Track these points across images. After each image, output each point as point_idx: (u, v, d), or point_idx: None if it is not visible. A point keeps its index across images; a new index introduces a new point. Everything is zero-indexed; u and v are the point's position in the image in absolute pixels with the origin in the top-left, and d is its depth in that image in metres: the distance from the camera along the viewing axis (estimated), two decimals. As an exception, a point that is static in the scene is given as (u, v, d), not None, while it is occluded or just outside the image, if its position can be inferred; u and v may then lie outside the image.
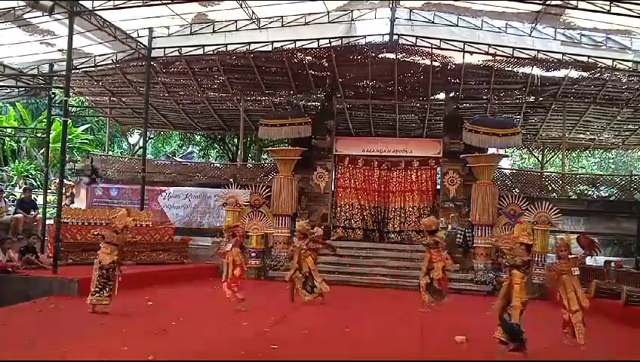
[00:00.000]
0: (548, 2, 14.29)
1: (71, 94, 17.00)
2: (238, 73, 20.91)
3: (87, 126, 30.54)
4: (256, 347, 7.80)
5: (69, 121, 19.72)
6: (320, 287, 12.18)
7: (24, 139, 27.24)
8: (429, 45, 18.28)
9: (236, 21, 17.91)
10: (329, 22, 17.99)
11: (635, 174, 21.81)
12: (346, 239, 18.82)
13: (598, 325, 10.76)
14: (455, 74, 19.95)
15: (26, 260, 12.84)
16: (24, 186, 21.40)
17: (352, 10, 17.93)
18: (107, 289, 9.73)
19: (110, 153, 25.72)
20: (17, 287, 11.28)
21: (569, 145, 25.18)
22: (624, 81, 19.16)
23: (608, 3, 13.08)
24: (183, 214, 19.21)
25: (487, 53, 18.30)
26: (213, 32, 18.25)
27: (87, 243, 14.31)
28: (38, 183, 24.64)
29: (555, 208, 16.16)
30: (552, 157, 27.81)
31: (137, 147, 27.52)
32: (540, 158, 26.97)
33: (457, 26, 17.70)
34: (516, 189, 18.99)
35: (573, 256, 8.97)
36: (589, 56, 17.80)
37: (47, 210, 16.99)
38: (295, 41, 18.53)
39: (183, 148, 32.93)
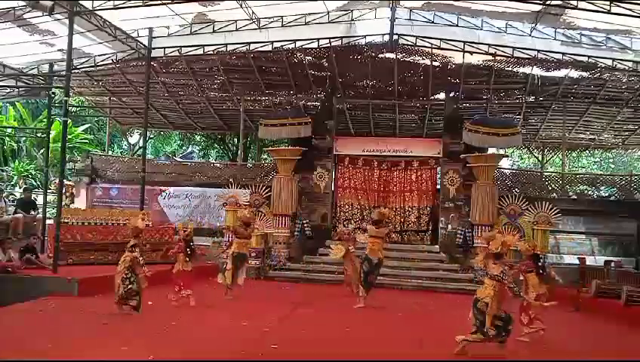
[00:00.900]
0: (548, 2, 14.28)
1: (71, 94, 16.96)
2: (238, 73, 20.92)
3: (87, 126, 30.50)
4: (257, 347, 7.80)
5: (69, 120, 19.72)
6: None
7: (24, 139, 27.22)
8: (429, 45, 18.28)
9: (236, 21, 17.90)
10: (329, 22, 17.98)
11: (635, 174, 21.82)
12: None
13: (598, 325, 10.80)
14: (455, 74, 19.95)
15: (26, 260, 12.84)
16: (24, 186, 21.40)
17: (352, 10, 17.92)
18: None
19: (110, 153, 25.72)
20: (17, 287, 11.25)
21: (569, 145, 25.17)
22: (624, 81, 19.16)
23: (608, 3, 13.07)
24: (183, 214, 19.20)
25: (487, 53, 18.30)
26: (213, 32, 18.25)
27: (87, 243, 14.36)
28: (38, 183, 24.62)
29: (555, 208, 16.18)
30: (552, 157, 27.81)
31: (137, 147, 27.51)
32: (539, 158, 26.97)
33: (457, 25, 17.68)
34: (516, 189, 19.00)
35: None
36: (589, 56, 17.80)
37: (47, 210, 16.97)
38: (295, 41, 18.53)
39: (183, 148, 32.93)
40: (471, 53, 18.31)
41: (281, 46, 18.72)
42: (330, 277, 16.02)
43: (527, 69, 19.29)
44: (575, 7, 13.69)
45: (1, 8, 15.17)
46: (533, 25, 17.22)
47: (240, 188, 18.37)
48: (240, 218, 12.94)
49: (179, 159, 28.63)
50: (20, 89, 20.94)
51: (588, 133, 24.58)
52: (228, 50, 18.85)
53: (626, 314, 11.38)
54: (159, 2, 14.75)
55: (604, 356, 8.42)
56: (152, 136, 29.02)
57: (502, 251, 8.01)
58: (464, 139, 17.94)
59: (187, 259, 11.08)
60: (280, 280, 16.23)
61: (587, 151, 28.13)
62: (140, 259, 9.86)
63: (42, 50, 18.42)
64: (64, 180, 15.20)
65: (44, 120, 21.65)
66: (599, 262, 17.44)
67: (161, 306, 10.47)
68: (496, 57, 18.56)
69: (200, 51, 18.96)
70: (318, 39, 18.45)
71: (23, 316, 9.47)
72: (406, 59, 19.48)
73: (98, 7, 14.58)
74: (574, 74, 19.10)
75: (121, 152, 31.08)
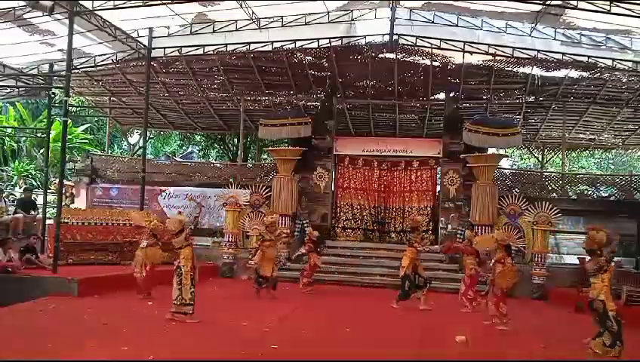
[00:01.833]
0: (548, 2, 14.28)
1: (71, 94, 16.96)
2: (238, 73, 20.92)
3: (87, 126, 30.49)
4: (257, 347, 7.80)
5: (69, 120, 19.72)
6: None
7: (24, 139, 27.20)
8: (429, 45, 18.29)
9: (236, 21, 17.91)
10: (329, 22, 17.99)
11: (634, 174, 21.83)
12: (345, 238, 18.85)
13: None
14: (455, 74, 19.97)
15: (26, 260, 12.84)
16: (24, 186, 21.38)
17: (352, 10, 17.93)
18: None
19: (110, 153, 25.71)
20: (17, 287, 11.26)
21: (569, 145, 25.18)
22: (624, 80, 19.17)
23: (608, 3, 13.08)
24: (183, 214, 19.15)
25: (487, 53, 18.31)
26: (214, 32, 18.25)
27: (87, 243, 14.37)
28: (38, 183, 24.61)
29: (555, 208, 16.20)
30: (552, 157, 27.81)
31: (137, 147, 27.52)
32: (539, 158, 26.97)
33: (457, 26, 17.69)
34: (516, 189, 19.00)
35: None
36: (589, 56, 17.81)
37: (47, 210, 16.97)
38: (295, 41, 18.53)
39: (183, 148, 32.93)
40: (471, 53, 18.32)
41: (281, 46, 18.72)
42: (330, 277, 16.01)
43: (527, 69, 19.30)
44: (575, 7, 13.70)
45: (2, 8, 15.16)
46: (533, 25, 17.23)
47: (240, 188, 18.37)
48: (266, 223, 13.15)
49: (179, 159, 28.63)
50: (20, 89, 20.94)
51: (588, 133, 24.60)
52: (228, 50, 18.85)
53: (626, 314, 11.35)
54: (159, 2, 14.75)
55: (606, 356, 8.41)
56: (152, 136, 29.02)
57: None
58: (464, 139, 17.95)
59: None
60: (280, 280, 16.20)
61: (587, 151, 28.14)
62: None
63: (42, 50, 18.42)
64: (64, 180, 15.20)
65: (44, 120, 21.65)
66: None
67: (161, 306, 10.44)
68: (496, 57, 18.57)
69: (200, 51, 18.96)
70: (318, 39, 18.46)
71: (22, 316, 9.46)
72: (406, 59, 19.49)
73: (98, 7, 14.59)
74: (574, 74, 19.11)
75: (121, 152, 31.08)
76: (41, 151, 24.90)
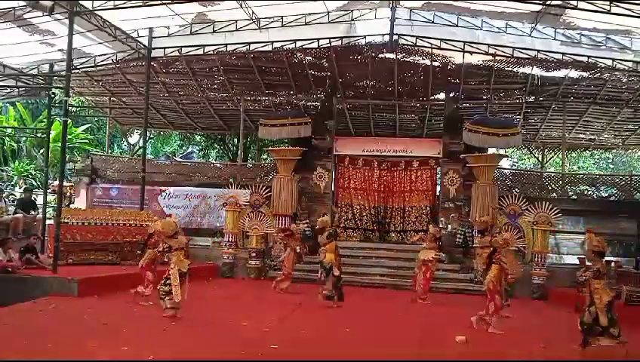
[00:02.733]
0: (548, 2, 14.28)
1: (71, 94, 16.97)
2: (238, 73, 20.92)
3: (87, 126, 30.51)
4: (257, 347, 7.81)
5: (69, 121, 19.72)
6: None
7: (24, 139, 27.21)
8: (429, 45, 18.29)
9: (236, 21, 17.91)
10: (329, 22, 17.99)
11: (634, 174, 21.82)
12: (345, 239, 18.85)
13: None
14: (455, 74, 19.96)
15: (26, 260, 12.84)
16: (24, 186, 21.39)
17: (352, 10, 17.93)
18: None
19: (110, 153, 25.71)
20: (17, 287, 11.27)
21: (569, 145, 25.17)
22: (624, 81, 19.17)
23: (608, 3, 13.07)
24: (183, 214, 19.16)
25: (487, 53, 18.30)
26: (214, 32, 18.25)
27: (87, 243, 14.37)
28: (38, 183, 24.61)
29: (555, 208, 16.20)
30: (552, 157, 27.81)
31: (137, 147, 27.51)
32: (539, 158, 26.97)
33: (457, 26, 17.69)
34: (516, 189, 19.00)
35: None
36: (588, 56, 17.80)
37: (47, 210, 16.98)
38: (295, 41, 18.53)
39: (183, 148, 32.94)
40: (471, 53, 18.31)
41: (281, 46, 18.72)
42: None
43: (527, 69, 19.30)
44: (575, 7, 13.69)
45: (2, 8, 15.16)
46: (533, 25, 17.22)
47: (240, 188, 18.37)
48: (320, 223, 13.12)
49: (179, 159, 28.63)
50: (20, 89, 20.92)
51: (588, 133, 24.59)
52: (228, 50, 18.84)
53: (627, 315, 11.37)
54: (159, 2, 14.75)
55: (606, 356, 8.42)
56: (152, 136, 29.02)
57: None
58: (464, 140, 17.95)
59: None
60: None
61: (587, 152, 28.15)
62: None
63: (42, 50, 18.41)
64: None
65: (44, 120, 21.67)
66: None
67: (161, 306, 10.45)
68: (496, 57, 18.57)
69: (200, 51, 18.95)
70: (318, 39, 18.45)
71: (22, 316, 9.47)
72: (406, 60, 19.49)
73: (98, 7, 14.59)
74: (574, 74, 19.11)
75: (120, 152, 31.08)
76: (41, 151, 24.92)
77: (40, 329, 8.39)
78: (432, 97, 21.58)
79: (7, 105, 27.38)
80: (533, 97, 20.92)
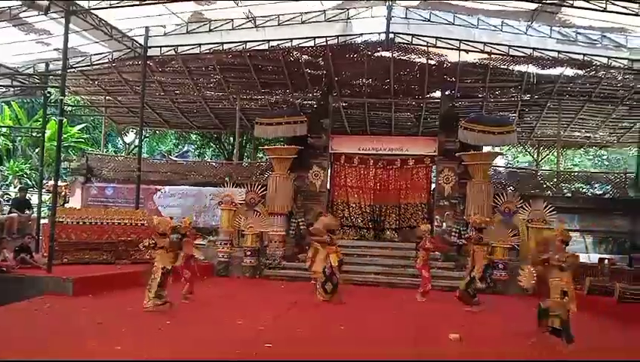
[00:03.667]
0: (544, 0, 14.32)
1: (66, 93, 16.98)
2: (234, 72, 20.92)
3: (83, 125, 30.51)
4: (251, 346, 7.81)
5: (65, 120, 19.72)
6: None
7: (19, 138, 27.21)
8: (425, 43, 18.31)
9: (232, 20, 17.92)
10: (325, 20, 18.00)
11: (629, 172, 21.89)
12: (341, 237, 18.84)
13: (591, 322, 10.83)
14: (451, 72, 19.99)
15: (20, 260, 12.81)
16: (19, 186, 21.37)
17: (348, 9, 17.94)
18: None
19: (105, 152, 25.70)
20: (12, 287, 11.24)
21: (564, 143, 25.22)
22: (619, 78, 19.21)
23: (604, 1, 13.11)
24: (178, 213, 19.14)
25: (482, 52, 18.33)
26: (210, 30, 18.26)
27: (81, 243, 14.35)
28: (33, 183, 24.60)
29: (549, 206, 16.23)
30: (548, 155, 27.86)
31: (133, 146, 27.52)
32: (535, 156, 27.02)
33: (453, 24, 17.71)
34: (511, 187, 19.03)
35: None
36: (584, 54, 17.86)
37: (42, 209, 16.96)
38: (291, 39, 18.54)
39: (179, 146, 32.95)
40: (467, 51, 18.33)
41: (278, 45, 18.73)
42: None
43: (522, 67, 19.33)
44: (571, 6, 13.74)
45: (-3, 7, 15.16)
46: (529, 23, 17.26)
47: (236, 186, 18.37)
48: (325, 225, 12.81)
49: (174, 158, 28.63)
50: (16, 88, 20.91)
51: (583, 130, 24.65)
52: (224, 49, 18.84)
53: (620, 312, 11.43)
54: (155, 1, 14.76)
55: (600, 353, 8.44)
56: (147, 135, 29.00)
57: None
58: (459, 138, 17.94)
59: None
60: (275, 278, 16.25)
61: (582, 149, 28.22)
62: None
63: (38, 50, 18.38)
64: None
65: (40, 119, 21.65)
66: (593, 259, 17.47)
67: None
68: (492, 55, 18.59)
69: (196, 50, 18.96)
70: (314, 38, 18.48)
71: (18, 315, 9.45)
72: (402, 58, 19.52)
73: (94, 7, 14.61)
74: (570, 72, 19.16)
75: (116, 151, 31.07)
76: (37, 150, 24.88)
77: (35, 328, 8.39)
78: (428, 95, 21.62)
79: (3, 104, 27.36)
80: (528, 95, 20.96)
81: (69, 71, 17.04)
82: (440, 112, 19.92)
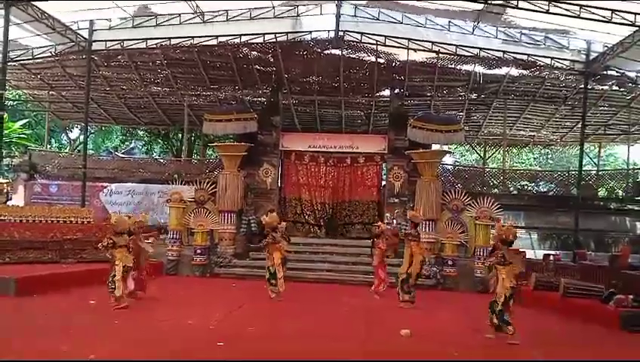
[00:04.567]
0: (489, 1, 14.59)
1: (7, 87, 16.44)
2: (182, 67, 20.65)
3: (26, 120, 29.56)
4: (202, 344, 7.71)
5: (5, 115, 19.05)
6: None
7: (-43, 133, 26.21)
8: (374, 42, 18.43)
9: (180, 15, 17.66)
10: (274, 17, 17.94)
11: (572, 170, 22.53)
12: (292, 234, 18.82)
13: (537, 316, 11.11)
14: (400, 71, 20.19)
15: (-41, 260, 12.37)
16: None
17: (297, 6, 17.92)
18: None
19: (49, 148, 25.01)
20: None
21: (510, 142, 25.82)
22: (562, 79, 19.76)
23: (547, 3, 13.46)
24: (125, 211, 18.75)
25: (430, 51, 18.57)
26: (157, 25, 17.96)
27: (25, 241, 13.93)
28: (-27, 180, 23.75)
29: (496, 203, 16.53)
30: (494, 153, 28.46)
31: (78, 142, 26.88)
32: (482, 154, 27.55)
33: (402, 23, 17.90)
34: (459, 185, 19.33)
35: None
36: (528, 55, 18.32)
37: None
38: (240, 35, 18.39)
39: (126, 143, 32.31)
40: (415, 50, 18.54)
41: (227, 40, 18.55)
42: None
43: (469, 67, 19.69)
44: (515, 7, 14.05)
45: None
46: (475, 23, 17.58)
47: (185, 184, 18.12)
48: (267, 223, 12.53)
49: (121, 155, 28.06)
50: (-47, 81, 20.13)
51: (528, 130, 25.29)
52: (171, 44, 18.56)
53: (564, 306, 11.74)
54: (99, -7, 14.45)
55: (546, 346, 8.64)
56: (93, 131, 28.35)
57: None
58: (409, 136, 18.12)
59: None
60: (226, 276, 16.11)
61: (527, 148, 28.92)
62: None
63: (-24, 42, 17.74)
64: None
65: (-21, 114, 20.89)
66: (539, 255, 17.92)
67: (104, 305, 10.22)
68: (440, 54, 18.86)
69: (142, 45, 18.62)
70: (263, 34, 18.38)
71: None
72: (351, 56, 19.62)
73: (35, -2, 14.18)
74: (515, 72, 19.62)
75: (60, 148, 30.27)
76: (-24, 146, 24.04)
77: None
78: (378, 94, 21.80)
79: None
80: (475, 95, 21.37)
81: (9, 64, 16.52)
82: (389, 110, 20.14)
